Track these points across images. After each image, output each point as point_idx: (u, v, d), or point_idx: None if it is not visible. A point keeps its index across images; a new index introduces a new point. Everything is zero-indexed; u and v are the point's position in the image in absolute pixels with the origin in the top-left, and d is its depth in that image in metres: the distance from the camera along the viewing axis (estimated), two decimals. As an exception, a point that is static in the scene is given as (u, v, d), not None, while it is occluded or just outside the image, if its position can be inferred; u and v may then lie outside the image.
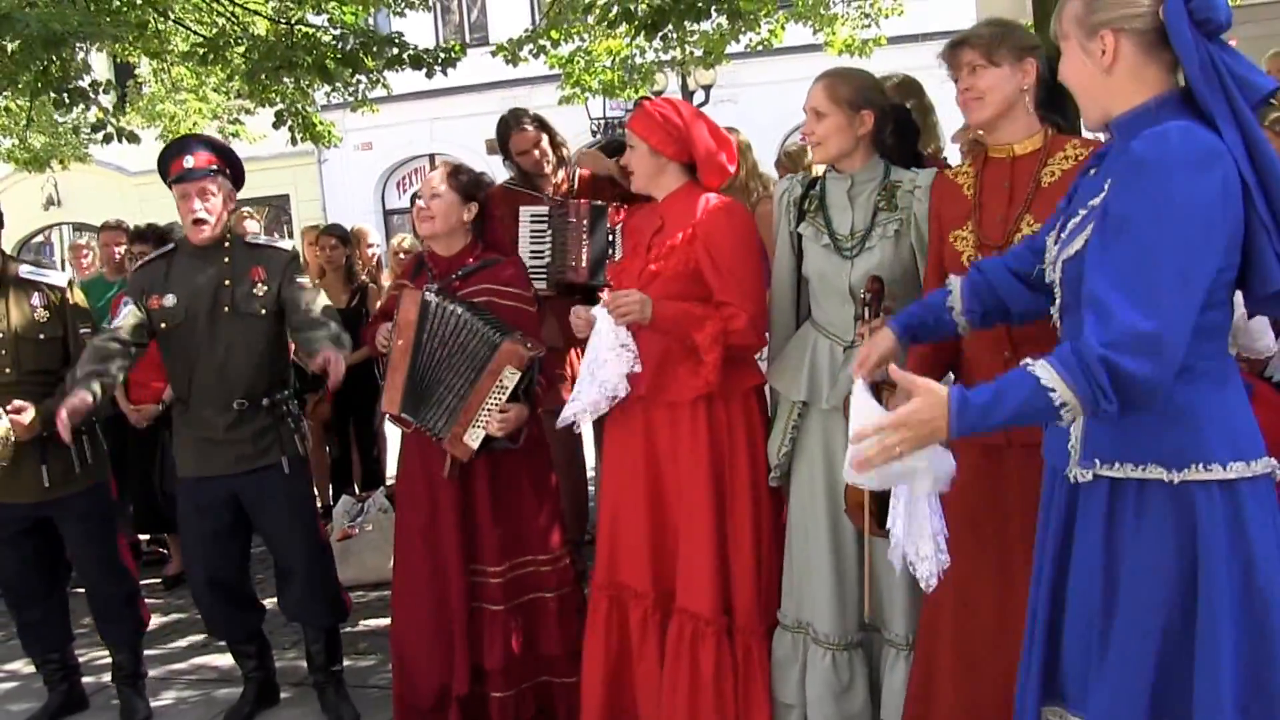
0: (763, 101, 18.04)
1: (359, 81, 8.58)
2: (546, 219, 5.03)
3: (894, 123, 3.44)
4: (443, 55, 7.95)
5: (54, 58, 6.52)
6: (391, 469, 7.39)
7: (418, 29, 11.94)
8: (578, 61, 9.68)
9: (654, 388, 3.52)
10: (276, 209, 25.05)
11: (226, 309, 4.06)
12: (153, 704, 4.60)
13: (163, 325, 4.09)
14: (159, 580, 6.38)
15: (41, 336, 4.23)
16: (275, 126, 9.02)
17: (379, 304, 5.06)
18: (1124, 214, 2.02)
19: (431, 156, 24.42)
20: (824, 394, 3.32)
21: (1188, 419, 2.07)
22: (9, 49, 6.35)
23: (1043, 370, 1.98)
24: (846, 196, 3.39)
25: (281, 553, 4.22)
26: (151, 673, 4.87)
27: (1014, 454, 2.84)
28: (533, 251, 5.05)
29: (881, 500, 2.96)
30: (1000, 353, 2.86)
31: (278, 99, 8.76)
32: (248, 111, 10.98)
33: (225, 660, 4.87)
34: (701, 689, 3.49)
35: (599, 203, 5.01)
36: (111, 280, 6.80)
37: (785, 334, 3.56)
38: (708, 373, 3.39)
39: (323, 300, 4.21)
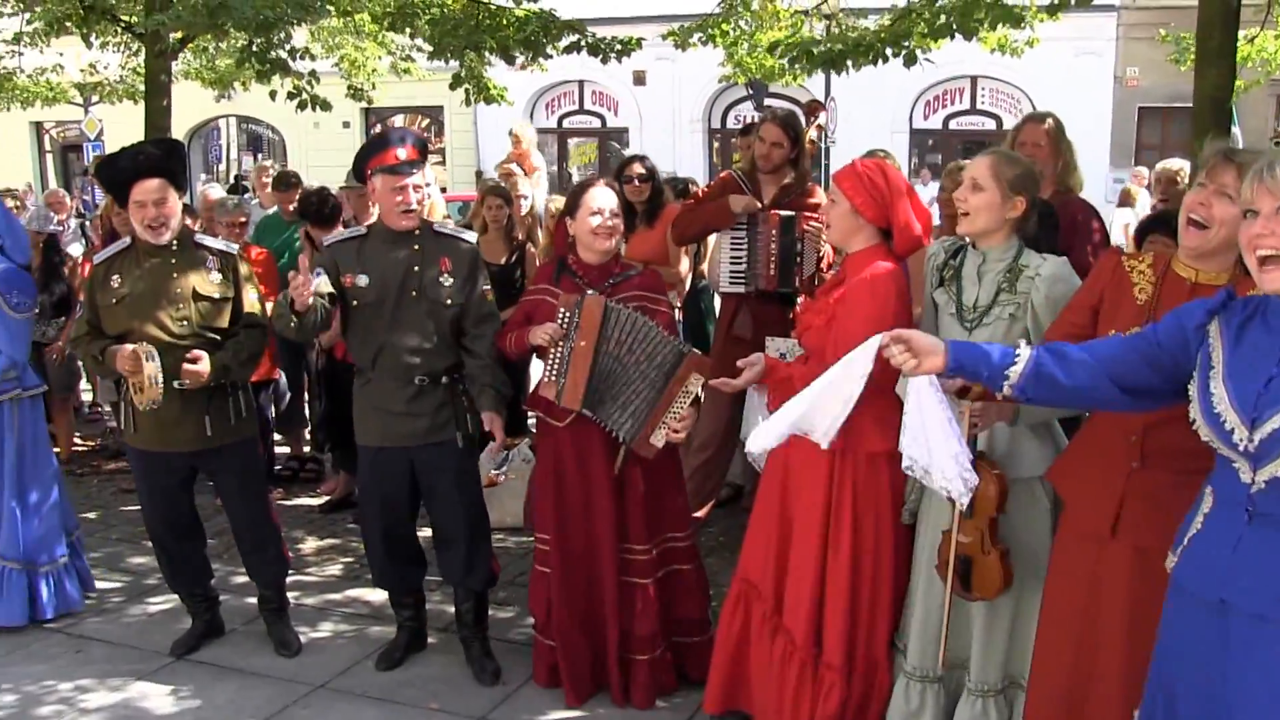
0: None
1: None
2: (745, 228, 5.45)
3: (1039, 216, 3.52)
4: (619, 45, 8.22)
5: (266, 39, 7.04)
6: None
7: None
8: (741, 45, 9.90)
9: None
10: (431, 118, 25.70)
11: (414, 293, 4.26)
12: (310, 635, 4.94)
13: (354, 302, 4.30)
14: (318, 504, 6.83)
15: (216, 296, 4.52)
16: (452, 88, 9.26)
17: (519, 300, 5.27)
18: None
19: (580, 83, 24.73)
20: None
21: None
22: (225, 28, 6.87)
23: None
24: (977, 271, 3.48)
25: (445, 522, 4.44)
26: (308, 601, 5.29)
27: (1120, 550, 2.92)
28: (732, 257, 5.52)
29: (965, 566, 3.34)
30: (1126, 435, 2.92)
31: (455, 62, 9.01)
32: (419, 49, 11.42)
33: (376, 595, 5.18)
34: (784, 703, 3.73)
35: (788, 213, 5.33)
36: (289, 222, 7.34)
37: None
38: None
39: (493, 316, 4.40)
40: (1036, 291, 3.36)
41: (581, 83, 24.82)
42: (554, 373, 4.08)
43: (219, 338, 4.54)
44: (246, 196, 10.37)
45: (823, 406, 3.13)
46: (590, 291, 4.14)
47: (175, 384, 4.38)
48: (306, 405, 7.58)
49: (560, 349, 4.07)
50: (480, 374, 4.33)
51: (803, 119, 5.76)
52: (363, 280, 4.29)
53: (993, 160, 3.46)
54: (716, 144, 24.80)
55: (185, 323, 4.47)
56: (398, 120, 25.43)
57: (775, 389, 3.78)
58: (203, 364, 4.39)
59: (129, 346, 4.31)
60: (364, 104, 12.41)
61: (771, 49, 8.06)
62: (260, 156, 26.81)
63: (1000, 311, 3.42)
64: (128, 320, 4.43)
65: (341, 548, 6.15)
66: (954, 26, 6.79)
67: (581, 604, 4.26)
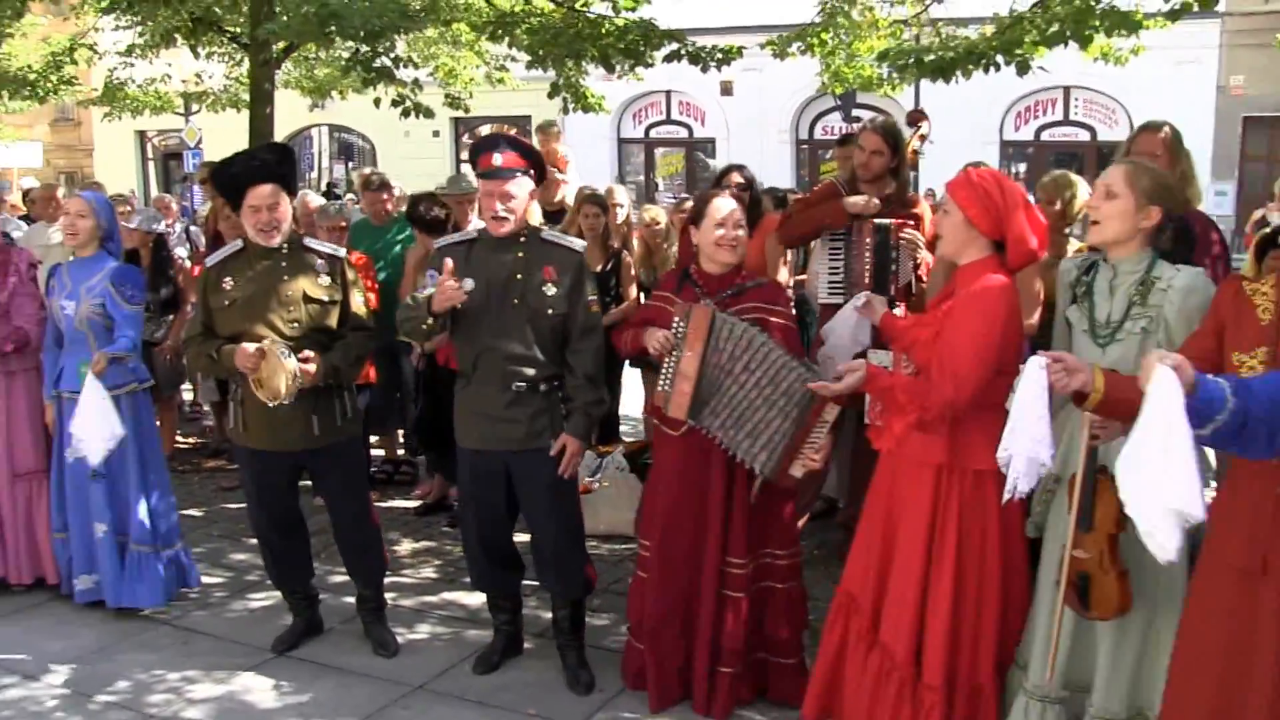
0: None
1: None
2: (842, 237, 5.40)
3: (1175, 232, 3.42)
4: (720, 55, 8.20)
5: (372, 49, 7.18)
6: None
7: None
8: (838, 54, 9.84)
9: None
10: (518, 129, 25.91)
11: (516, 301, 4.24)
12: (407, 636, 4.98)
13: (458, 306, 4.28)
14: (413, 507, 6.89)
15: (325, 299, 4.59)
16: (550, 96, 9.31)
17: (628, 303, 5.26)
18: None
19: (667, 93, 24.80)
20: (1075, 466, 3.27)
21: None
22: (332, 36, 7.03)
23: None
24: (1109, 286, 3.39)
25: (540, 530, 4.44)
26: (405, 603, 5.33)
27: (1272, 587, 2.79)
28: (830, 267, 5.48)
29: (1083, 582, 3.24)
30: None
31: (554, 70, 9.08)
32: (513, 59, 11.56)
33: (473, 599, 5.23)
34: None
35: (883, 221, 5.23)
36: (378, 225, 7.35)
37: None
38: (886, 439, 3.60)
39: (596, 329, 4.36)
40: (1170, 304, 3.27)
41: (668, 93, 24.90)
42: (665, 382, 4.07)
43: (327, 340, 4.61)
44: (343, 200, 10.54)
45: (1022, 429, 3.06)
46: (705, 301, 4.10)
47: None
48: (401, 409, 7.67)
49: (671, 358, 4.06)
50: (576, 393, 4.32)
51: (906, 128, 5.70)
52: (468, 284, 4.29)
53: (1128, 168, 3.38)
54: (804, 155, 24.68)
55: (296, 324, 4.54)
56: (484, 130, 25.71)
57: (876, 398, 3.74)
58: (313, 364, 4.46)
59: (252, 345, 4.39)
60: (453, 113, 12.56)
61: (881, 57, 7.98)
62: (351, 165, 27.30)
63: (1132, 326, 3.33)
64: (240, 321, 4.51)
65: (436, 550, 6.20)
66: (1067, 33, 6.66)
67: (676, 611, 4.24)
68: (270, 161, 4.59)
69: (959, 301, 3.48)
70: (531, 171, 4.34)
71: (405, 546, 6.24)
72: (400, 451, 7.68)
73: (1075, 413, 3.37)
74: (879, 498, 3.75)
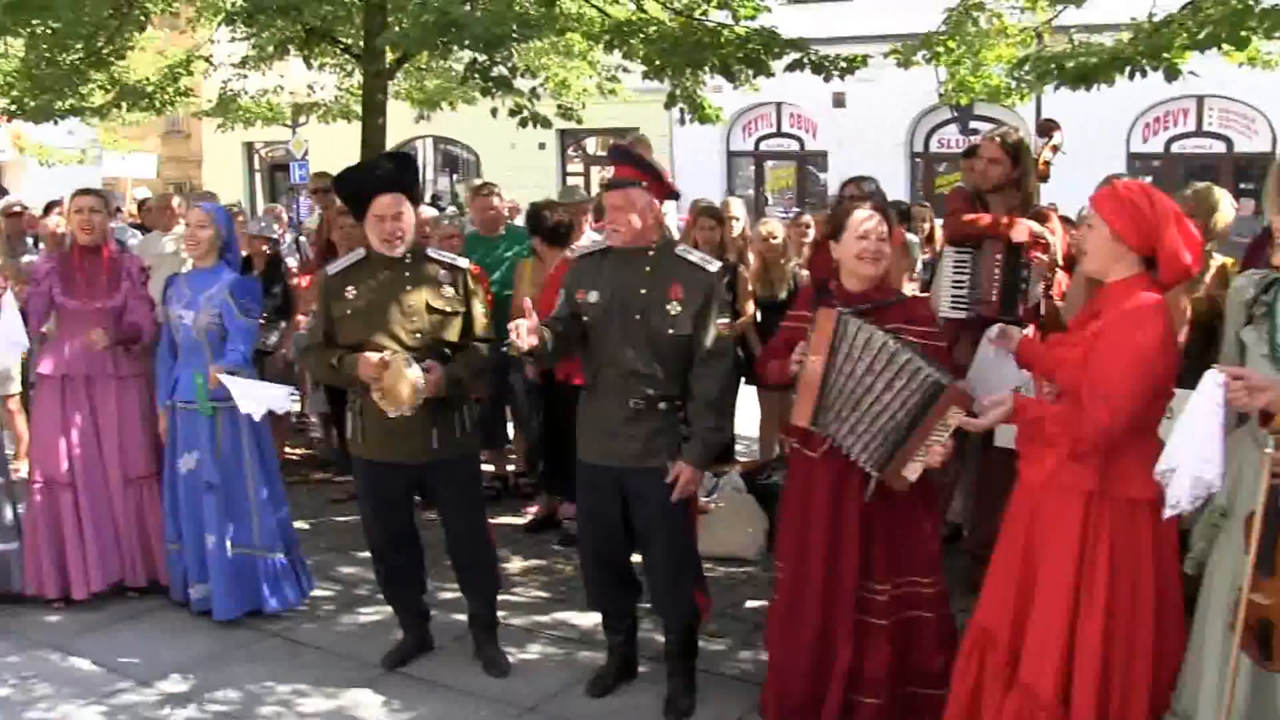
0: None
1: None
2: (970, 250, 5.32)
3: None
4: (844, 63, 8.12)
5: (489, 58, 7.27)
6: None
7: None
8: (964, 63, 9.69)
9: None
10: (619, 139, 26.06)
11: (638, 316, 4.23)
12: (517, 656, 4.98)
13: (585, 318, 4.33)
14: (524, 524, 6.89)
15: (448, 309, 4.63)
16: (666, 107, 9.34)
17: (743, 319, 5.14)
18: None
19: (778, 105, 24.69)
20: (1247, 500, 3.14)
21: None
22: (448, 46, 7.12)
23: None
24: None
25: (649, 550, 4.43)
26: (515, 622, 5.33)
27: None
28: (955, 281, 5.39)
29: (1265, 630, 3.09)
30: None
31: (671, 80, 9.07)
32: (625, 69, 11.62)
33: (584, 619, 5.23)
34: None
35: (1021, 234, 5.16)
36: (485, 236, 7.37)
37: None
38: (1038, 472, 3.47)
39: (722, 354, 4.29)
40: None
41: (779, 105, 24.74)
42: (795, 391, 4.03)
43: (448, 351, 4.64)
44: (451, 211, 10.69)
45: (1189, 445, 2.97)
46: (836, 308, 4.01)
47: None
48: (510, 425, 7.72)
49: (798, 366, 4.02)
50: (695, 417, 4.28)
51: (1035, 139, 5.58)
52: (593, 296, 4.31)
53: None
54: (919, 168, 24.36)
55: (418, 335, 4.58)
56: (590, 143, 25.90)
57: (1025, 430, 3.59)
58: (436, 374, 4.49)
59: (375, 355, 4.44)
60: (561, 124, 12.62)
61: (1020, 63, 7.81)
62: (456, 177, 27.70)
63: None
64: (362, 331, 4.57)
65: (547, 569, 6.21)
66: (1221, 37, 6.40)
67: (809, 638, 4.17)
68: (393, 170, 4.66)
69: (1110, 322, 3.34)
70: (645, 183, 4.30)
71: (515, 564, 6.25)
72: (510, 468, 7.70)
73: (1245, 441, 3.24)
74: (1017, 525, 3.60)
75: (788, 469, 4.53)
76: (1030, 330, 4.68)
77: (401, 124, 18.44)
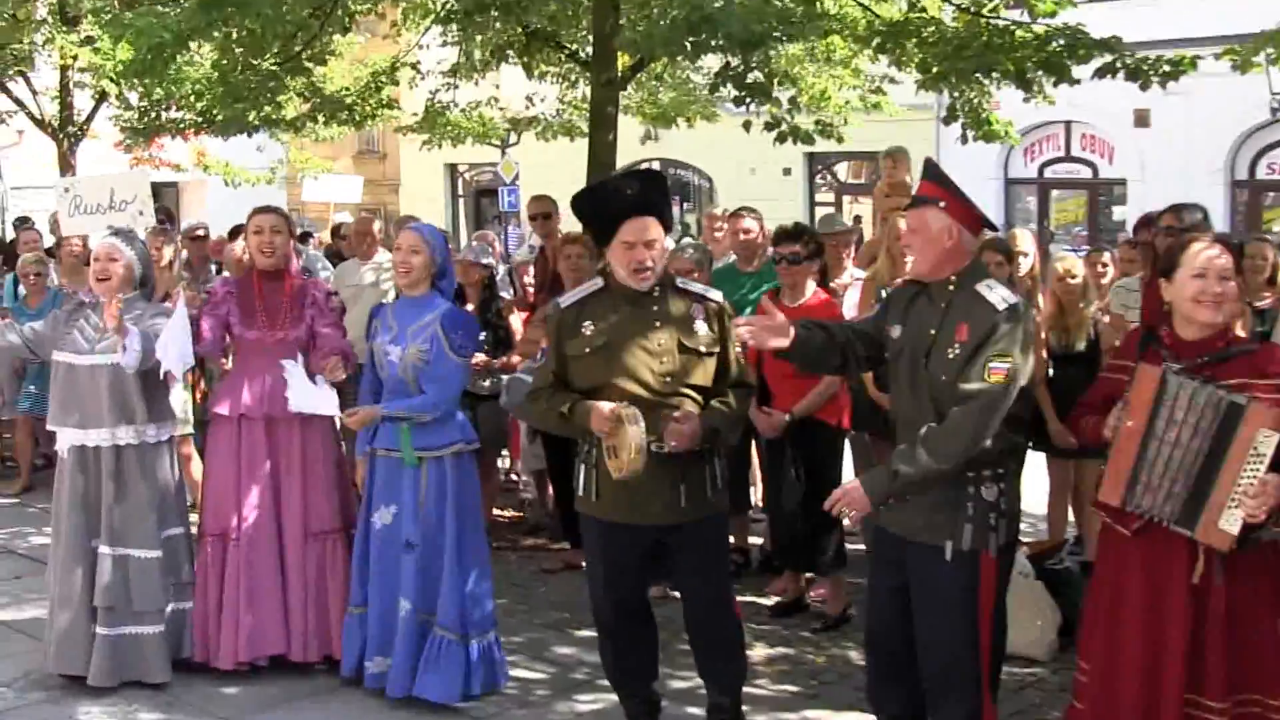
0: None
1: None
2: None
3: None
4: (1168, 66, 7.81)
5: (744, 61, 7.28)
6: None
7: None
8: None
9: None
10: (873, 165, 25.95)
11: (925, 357, 4.16)
12: None
13: (886, 355, 4.37)
14: (769, 605, 6.76)
15: (702, 349, 4.63)
16: (946, 122, 9.22)
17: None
18: None
19: (1067, 124, 24.09)
20: None
21: None
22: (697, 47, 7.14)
23: None
24: None
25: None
26: (759, 718, 5.29)
27: None
28: None
29: None
30: None
31: (952, 90, 9.00)
32: (892, 80, 11.45)
33: (839, 717, 5.18)
34: None
35: None
36: (745, 273, 7.41)
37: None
38: None
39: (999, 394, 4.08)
40: None
41: (1068, 124, 24.13)
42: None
43: (700, 396, 4.64)
44: (691, 241, 10.76)
45: None
46: (1161, 365, 3.90)
47: (655, 447, 4.46)
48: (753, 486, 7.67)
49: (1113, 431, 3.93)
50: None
51: None
52: (895, 331, 4.31)
53: None
54: (1241, 198, 23.33)
55: (669, 379, 4.59)
56: (841, 169, 25.81)
57: None
58: (690, 425, 4.49)
59: (607, 405, 4.46)
60: (807, 148, 12.42)
61: None
62: (687, 206, 28.01)
63: None
64: (602, 373, 4.60)
65: (795, 659, 6.13)
66: None
67: None
68: (643, 190, 4.66)
69: None
70: (944, 203, 4.19)
71: (759, 652, 6.17)
72: (751, 540, 7.62)
73: None
74: None
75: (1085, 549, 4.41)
76: None
77: (626, 144, 18.76)
